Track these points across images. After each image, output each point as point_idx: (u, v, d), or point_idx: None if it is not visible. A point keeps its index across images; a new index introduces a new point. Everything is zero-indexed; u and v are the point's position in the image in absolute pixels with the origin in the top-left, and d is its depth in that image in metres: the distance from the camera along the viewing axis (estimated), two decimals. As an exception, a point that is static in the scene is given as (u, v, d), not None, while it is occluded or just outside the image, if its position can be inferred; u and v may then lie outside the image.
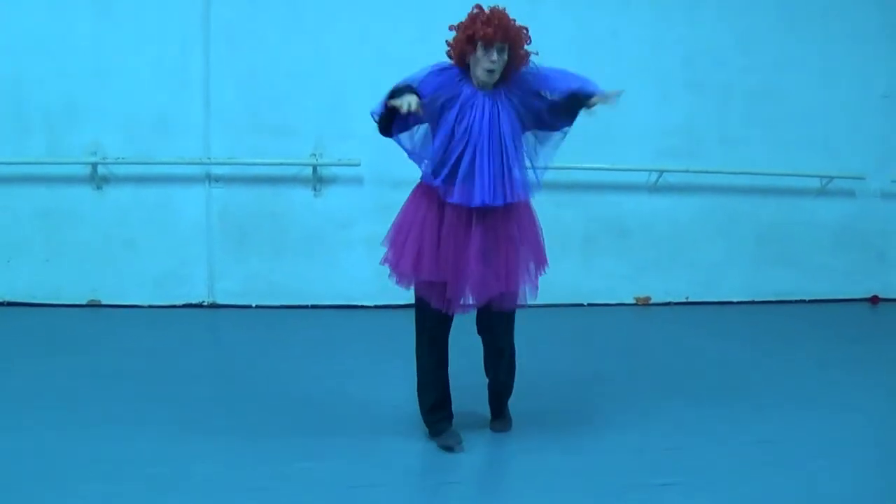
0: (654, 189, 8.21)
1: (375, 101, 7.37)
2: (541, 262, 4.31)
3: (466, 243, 4.07)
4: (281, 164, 7.49)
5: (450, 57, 4.21)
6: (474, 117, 4.02)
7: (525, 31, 4.08)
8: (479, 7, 4.07)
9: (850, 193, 8.80)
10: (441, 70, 4.13)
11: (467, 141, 4.01)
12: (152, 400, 4.94)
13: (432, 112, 4.05)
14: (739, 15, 8.22)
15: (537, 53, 4.16)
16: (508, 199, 4.06)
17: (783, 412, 5.11)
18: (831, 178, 8.54)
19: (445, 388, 4.41)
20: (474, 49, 3.99)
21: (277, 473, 3.95)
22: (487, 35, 3.93)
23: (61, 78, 7.19)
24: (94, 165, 7.26)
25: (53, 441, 4.21)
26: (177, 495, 3.67)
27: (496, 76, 4.05)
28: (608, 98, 4.13)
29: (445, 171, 4.04)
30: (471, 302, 4.19)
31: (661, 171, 8.11)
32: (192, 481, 3.82)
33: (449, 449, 4.29)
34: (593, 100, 4.10)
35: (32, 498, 3.58)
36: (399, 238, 4.25)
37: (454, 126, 4.02)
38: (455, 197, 4.02)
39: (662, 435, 4.68)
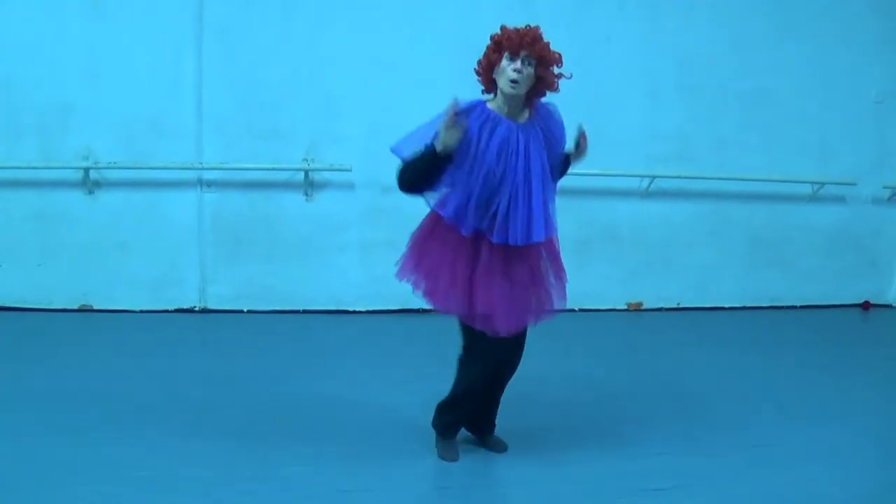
0: (647, 194, 8.21)
1: (367, 106, 7.47)
2: (562, 276, 4.30)
3: (510, 274, 4.01)
4: (273, 168, 7.48)
5: (480, 76, 4.08)
6: (515, 155, 3.92)
7: (557, 54, 4.00)
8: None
9: (841, 199, 8.81)
10: (463, 112, 3.87)
11: (511, 180, 3.91)
12: (144, 404, 4.96)
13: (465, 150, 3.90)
14: (732, 20, 8.22)
15: (570, 76, 4.09)
16: (548, 233, 4.05)
17: (775, 417, 5.13)
18: (823, 183, 8.54)
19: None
20: (500, 58, 3.92)
21: (268, 477, 3.96)
22: (513, 40, 3.88)
23: (54, 81, 7.18)
24: (87, 170, 7.25)
25: (44, 445, 4.23)
26: (168, 498, 3.69)
27: (521, 90, 3.94)
28: (580, 148, 4.27)
29: (489, 211, 3.93)
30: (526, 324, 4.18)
31: (654, 177, 8.12)
32: (182, 484, 3.84)
33: (451, 459, 4.32)
34: (572, 155, 4.28)
35: (25, 501, 3.58)
36: (441, 282, 4.04)
37: (496, 166, 3.89)
38: (497, 236, 3.93)
39: (654, 440, 4.69)
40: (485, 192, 3.88)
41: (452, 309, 4.03)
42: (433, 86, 7.47)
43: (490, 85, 4.04)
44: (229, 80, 7.41)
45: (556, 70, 4.01)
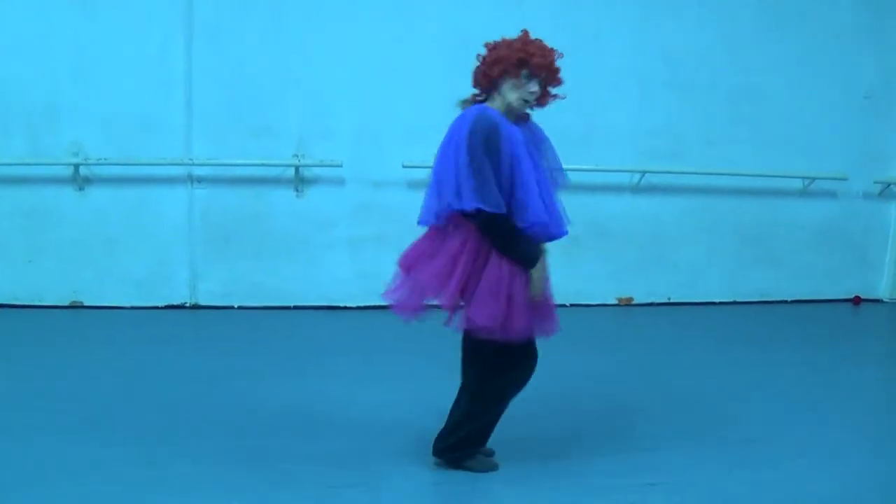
0: (637, 190, 8.22)
1: (357, 102, 7.45)
2: None
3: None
4: (263, 164, 7.48)
5: (482, 76, 3.89)
6: (535, 160, 3.89)
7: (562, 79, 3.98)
8: (527, 33, 3.90)
9: (832, 194, 8.84)
10: (497, 137, 3.69)
11: (545, 182, 3.92)
12: (134, 401, 4.95)
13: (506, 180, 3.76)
14: (722, 16, 8.24)
15: (565, 97, 4.06)
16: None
17: (765, 412, 5.13)
18: (813, 178, 8.56)
19: None
20: (518, 75, 3.78)
21: (258, 474, 3.95)
22: (543, 67, 3.81)
23: (43, 78, 7.18)
24: (76, 166, 7.24)
25: (34, 443, 4.21)
26: (157, 496, 3.67)
27: (528, 107, 3.93)
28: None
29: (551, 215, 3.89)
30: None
31: (644, 172, 8.13)
32: (172, 482, 3.82)
33: (494, 467, 4.20)
34: None
35: (13, 499, 3.57)
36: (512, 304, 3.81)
37: (535, 176, 3.82)
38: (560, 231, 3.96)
39: (644, 435, 4.69)
40: (539, 198, 3.83)
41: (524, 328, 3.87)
42: (423, 82, 7.52)
43: (489, 86, 3.89)
44: (219, 76, 7.40)
45: (552, 91, 4.00)
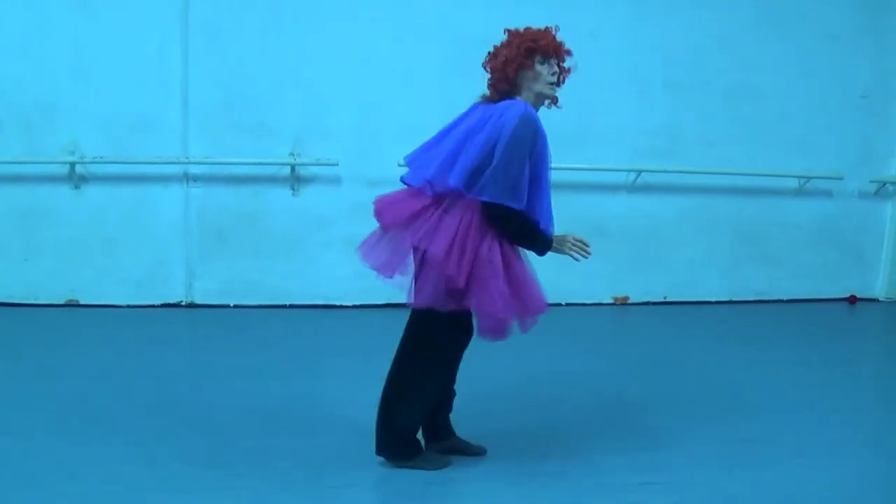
0: (633, 189, 8.23)
1: (354, 101, 7.45)
2: None
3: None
4: (259, 163, 7.48)
5: (501, 82, 3.90)
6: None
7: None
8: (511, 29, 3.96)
9: (828, 193, 8.86)
10: (536, 132, 3.73)
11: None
12: (131, 400, 4.94)
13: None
14: (719, 15, 8.25)
15: (575, 66, 4.08)
16: None
17: (762, 411, 5.14)
18: (809, 178, 8.57)
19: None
20: (533, 63, 3.83)
21: (255, 473, 3.95)
22: (551, 48, 3.87)
23: (40, 77, 7.17)
24: (73, 165, 7.23)
25: (31, 442, 4.21)
26: (155, 495, 3.67)
27: (555, 90, 3.98)
28: None
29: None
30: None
31: (640, 171, 8.13)
32: (169, 481, 3.82)
33: (446, 464, 4.19)
34: None
35: (10, 499, 3.57)
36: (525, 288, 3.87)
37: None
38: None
39: (642, 434, 4.69)
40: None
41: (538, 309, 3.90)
42: (419, 81, 7.53)
43: (509, 89, 3.89)
44: (215, 75, 7.41)
45: (566, 65, 4.02)
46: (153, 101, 7.34)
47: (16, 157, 7.16)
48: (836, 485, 4.06)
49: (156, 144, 7.35)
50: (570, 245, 4.01)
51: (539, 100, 3.93)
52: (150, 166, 7.36)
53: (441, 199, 3.80)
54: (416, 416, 4.09)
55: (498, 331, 3.84)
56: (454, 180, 3.70)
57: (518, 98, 3.85)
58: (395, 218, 3.90)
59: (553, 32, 3.92)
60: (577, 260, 4.07)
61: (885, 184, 8.94)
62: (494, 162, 3.64)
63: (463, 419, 4.49)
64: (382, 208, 3.96)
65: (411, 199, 3.88)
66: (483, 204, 3.69)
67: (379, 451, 4.11)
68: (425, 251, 3.73)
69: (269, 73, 7.48)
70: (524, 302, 3.81)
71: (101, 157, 7.24)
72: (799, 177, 8.62)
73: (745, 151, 8.43)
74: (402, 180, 4.01)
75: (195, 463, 4.04)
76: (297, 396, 5.14)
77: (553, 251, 3.98)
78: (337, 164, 7.49)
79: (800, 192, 8.72)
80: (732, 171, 8.33)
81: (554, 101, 4.06)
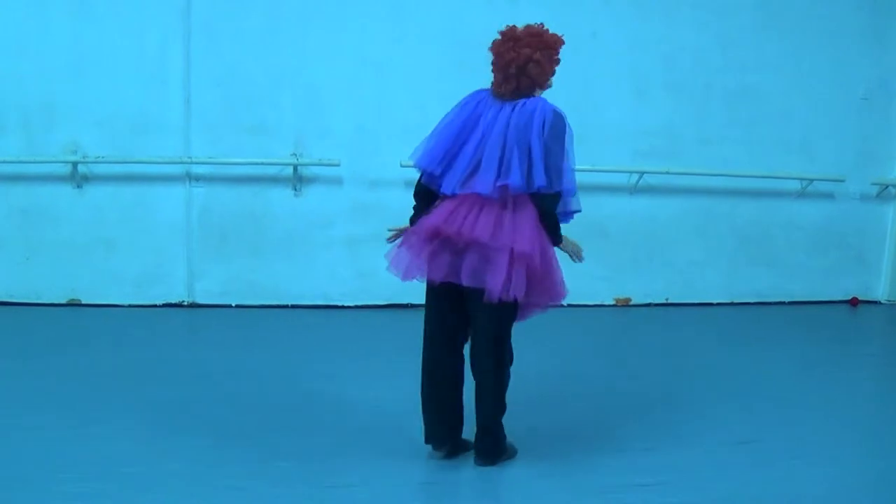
0: (634, 190, 8.22)
1: (355, 101, 7.45)
2: None
3: None
4: (261, 163, 7.48)
5: (528, 88, 4.11)
6: None
7: None
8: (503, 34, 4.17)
9: (829, 195, 8.85)
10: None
11: None
12: (130, 399, 4.94)
13: None
14: (719, 16, 8.24)
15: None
16: None
17: (762, 412, 5.15)
18: (811, 180, 8.57)
19: None
20: (554, 72, 4.18)
21: (254, 473, 3.95)
22: (558, 44, 4.17)
23: (41, 76, 7.17)
24: (74, 164, 7.24)
25: (30, 440, 4.21)
26: (153, 495, 3.67)
27: None
28: None
29: None
30: None
31: (641, 173, 8.12)
32: (168, 481, 3.82)
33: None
34: None
35: (8, 498, 3.57)
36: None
37: None
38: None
39: (642, 435, 4.70)
40: None
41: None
42: (420, 82, 7.52)
43: (532, 91, 4.12)
44: (217, 74, 7.41)
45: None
46: (155, 100, 7.34)
47: (17, 157, 7.16)
48: (835, 486, 4.06)
49: (157, 144, 7.34)
50: (570, 248, 4.40)
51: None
52: (151, 166, 7.36)
53: (504, 200, 3.96)
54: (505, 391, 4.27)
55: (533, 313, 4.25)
56: (539, 180, 3.87)
57: (533, 95, 4.10)
58: (482, 231, 3.91)
59: (546, 29, 4.17)
60: (574, 261, 4.44)
61: (886, 186, 8.94)
62: (554, 156, 3.91)
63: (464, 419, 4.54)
64: (465, 228, 3.92)
65: (485, 208, 3.96)
66: (542, 197, 3.95)
67: (488, 461, 4.19)
68: (512, 249, 3.88)
69: (271, 73, 7.48)
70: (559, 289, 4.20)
71: (102, 157, 7.24)
72: (800, 179, 8.61)
73: (747, 153, 8.42)
74: (453, 192, 4.03)
75: (194, 462, 4.05)
76: (298, 396, 5.14)
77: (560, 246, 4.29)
78: (339, 165, 7.49)
79: (801, 195, 8.71)
80: (734, 172, 8.32)
81: None
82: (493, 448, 4.18)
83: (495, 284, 3.86)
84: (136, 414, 4.69)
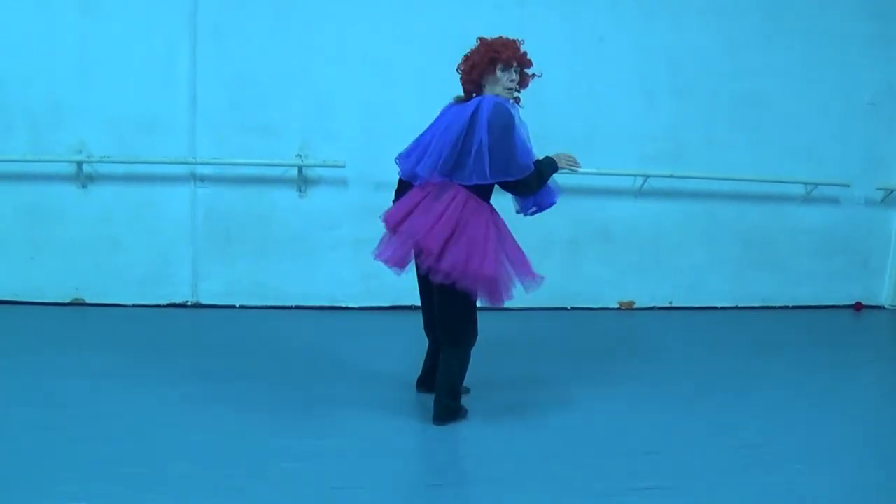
0: (639, 194, 8.22)
1: (361, 102, 7.44)
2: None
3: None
4: (266, 164, 7.48)
5: (468, 83, 4.71)
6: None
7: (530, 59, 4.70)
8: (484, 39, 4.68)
9: (834, 200, 8.84)
10: (510, 113, 4.46)
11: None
12: (133, 399, 4.95)
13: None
14: (725, 21, 8.23)
15: (541, 75, 4.74)
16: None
17: (766, 417, 5.14)
18: (816, 184, 8.56)
19: None
20: (494, 71, 4.57)
21: (258, 474, 3.96)
22: (511, 57, 4.56)
23: (47, 76, 7.17)
24: (80, 164, 7.24)
25: (32, 440, 4.21)
26: (155, 495, 3.67)
27: (515, 94, 4.68)
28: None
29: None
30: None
31: (647, 176, 8.12)
32: (171, 482, 3.83)
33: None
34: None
35: (10, 497, 3.57)
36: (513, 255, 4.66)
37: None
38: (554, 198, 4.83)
39: (644, 438, 4.70)
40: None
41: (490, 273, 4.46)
42: (426, 84, 7.51)
43: (477, 89, 4.68)
44: (223, 75, 7.41)
45: (530, 72, 4.72)
46: (161, 101, 7.34)
47: (23, 156, 7.15)
48: (838, 491, 4.06)
49: (163, 144, 7.35)
50: (564, 163, 4.78)
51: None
52: (157, 166, 7.36)
53: (426, 189, 4.55)
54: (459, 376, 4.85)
55: (493, 295, 4.56)
56: (423, 171, 4.53)
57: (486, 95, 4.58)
58: (390, 216, 4.62)
59: (517, 44, 4.60)
60: (574, 172, 4.96)
61: (891, 191, 8.92)
62: (481, 148, 4.37)
63: (464, 421, 4.58)
64: (387, 215, 4.66)
65: (410, 197, 4.60)
66: (508, 185, 4.54)
67: (436, 421, 4.78)
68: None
69: (276, 74, 7.47)
70: (517, 268, 4.61)
71: (108, 157, 7.24)
72: (805, 183, 8.60)
73: (752, 157, 8.41)
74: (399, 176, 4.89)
75: (196, 462, 4.05)
76: (301, 397, 5.14)
77: (557, 171, 4.74)
78: (344, 166, 7.49)
79: (806, 199, 8.70)
80: (739, 176, 8.30)
81: (515, 100, 4.71)
82: (442, 412, 4.75)
83: (392, 262, 4.60)
84: (137, 414, 4.70)
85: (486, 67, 4.56)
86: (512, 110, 4.45)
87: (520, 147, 4.43)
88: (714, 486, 4.06)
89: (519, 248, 4.67)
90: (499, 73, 4.55)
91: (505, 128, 4.37)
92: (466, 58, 4.67)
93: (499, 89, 4.57)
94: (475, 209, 4.48)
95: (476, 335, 4.74)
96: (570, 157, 4.80)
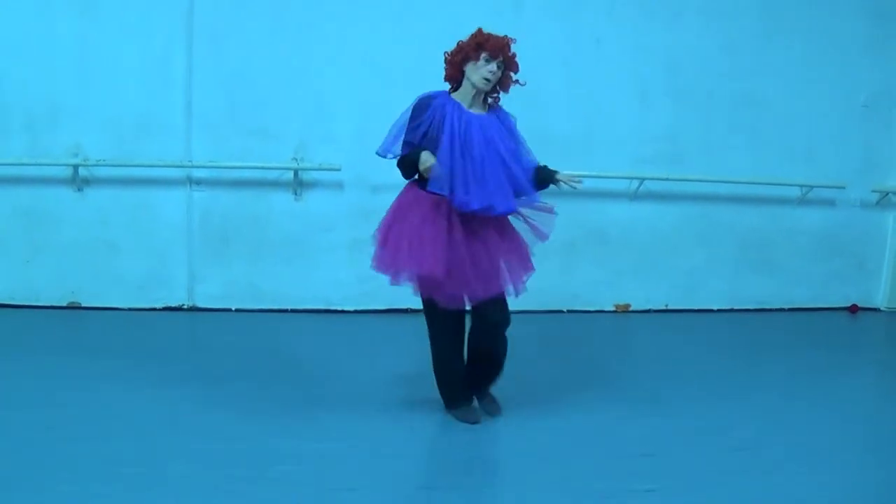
0: (636, 196, 8.22)
1: (357, 106, 7.44)
2: (528, 266, 4.80)
3: (469, 245, 4.55)
4: (262, 167, 7.48)
5: (450, 66, 4.74)
6: (471, 133, 4.54)
7: (518, 64, 4.70)
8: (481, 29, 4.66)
9: (830, 202, 8.84)
10: (422, 107, 4.64)
11: (470, 154, 4.51)
12: (129, 402, 4.95)
13: (432, 143, 4.54)
14: (722, 23, 8.22)
15: (524, 84, 4.74)
16: (512, 209, 4.65)
17: (763, 419, 5.16)
18: (811, 187, 8.56)
19: (462, 371, 4.93)
20: (479, 57, 4.54)
21: (255, 476, 3.97)
22: (496, 46, 4.53)
23: (43, 78, 7.16)
24: (76, 167, 7.23)
25: (30, 442, 4.21)
26: (153, 496, 3.68)
27: (490, 87, 4.63)
28: (570, 179, 4.82)
29: (455, 182, 4.46)
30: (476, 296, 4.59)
31: (643, 179, 8.12)
32: (169, 483, 3.83)
33: (471, 421, 4.86)
34: (559, 176, 4.83)
35: (10, 497, 3.57)
36: (407, 242, 4.57)
37: (452, 143, 4.49)
38: (470, 204, 4.45)
39: (641, 441, 4.71)
40: (456, 164, 4.48)
41: (403, 267, 4.57)
42: (422, 87, 7.48)
43: (457, 75, 4.71)
44: (219, 78, 7.40)
45: (513, 76, 4.72)
46: (157, 104, 7.33)
47: (19, 159, 7.15)
48: (835, 493, 4.07)
49: (159, 147, 7.34)
50: (424, 169, 4.51)
51: (476, 93, 4.66)
52: (153, 169, 7.35)
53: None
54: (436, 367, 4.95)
55: (434, 294, 4.56)
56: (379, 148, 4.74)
57: (461, 87, 4.70)
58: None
59: (508, 40, 4.59)
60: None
61: (887, 193, 8.93)
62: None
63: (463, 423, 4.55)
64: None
65: None
66: None
67: None
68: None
69: (272, 77, 7.47)
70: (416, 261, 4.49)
71: (104, 160, 7.24)
72: (801, 185, 8.61)
73: (748, 160, 8.42)
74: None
75: (194, 463, 4.06)
76: (298, 400, 5.15)
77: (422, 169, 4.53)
78: (340, 169, 7.49)
79: (802, 201, 8.70)
80: (735, 179, 8.30)
81: (495, 101, 4.81)
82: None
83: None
84: (134, 417, 4.70)
85: (470, 51, 4.57)
86: (437, 102, 4.63)
87: (394, 130, 4.68)
88: (713, 487, 4.07)
89: (480, 253, 4.57)
90: (482, 60, 4.54)
91: (414, 108, 4.66)
92: (456, 46, 4.72)
93: (476, 77, 4.57)
94: (412, 203, 4.64)
95: (443, 333, 4.79)
96: (430, 166, 4.47)
